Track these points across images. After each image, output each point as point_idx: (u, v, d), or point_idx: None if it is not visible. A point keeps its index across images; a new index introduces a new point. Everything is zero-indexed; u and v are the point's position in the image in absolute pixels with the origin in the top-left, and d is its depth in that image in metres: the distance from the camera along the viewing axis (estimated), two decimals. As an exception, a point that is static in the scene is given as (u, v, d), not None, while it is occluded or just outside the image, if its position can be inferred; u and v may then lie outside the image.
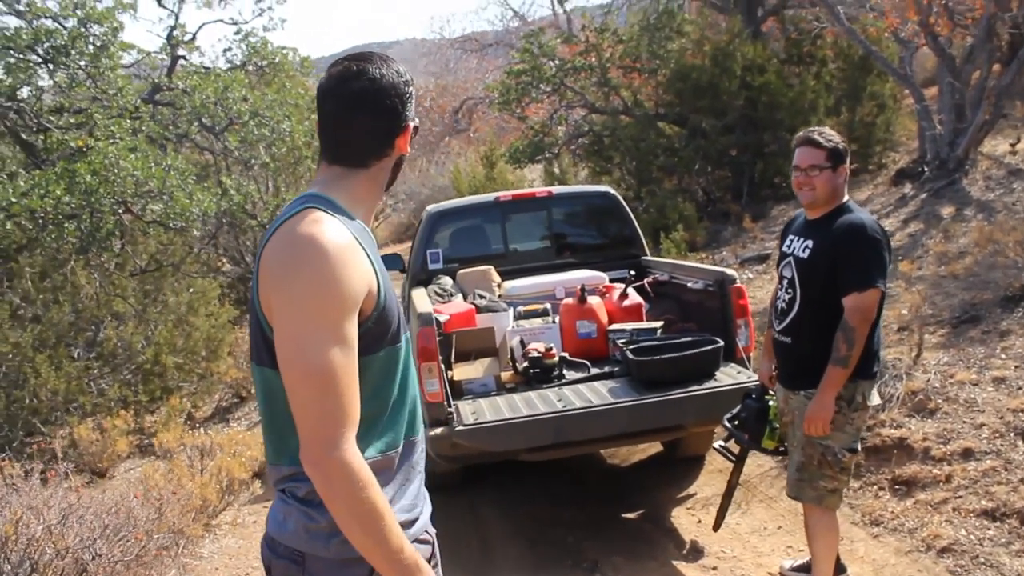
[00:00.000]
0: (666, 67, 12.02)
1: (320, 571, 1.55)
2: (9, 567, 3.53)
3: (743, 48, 11.24)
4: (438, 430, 3.98)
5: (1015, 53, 8.64)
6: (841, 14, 9.59)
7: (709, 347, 4.26)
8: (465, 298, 5.41)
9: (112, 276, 8.00)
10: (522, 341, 4.70)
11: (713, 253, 9.68)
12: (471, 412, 4.09)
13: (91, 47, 8.15)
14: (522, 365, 4.53)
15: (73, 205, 7.04)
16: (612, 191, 6.30)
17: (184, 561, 4.49)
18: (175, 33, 10.20)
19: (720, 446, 3.93)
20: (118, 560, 3.77)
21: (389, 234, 20.66)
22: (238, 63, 10.80)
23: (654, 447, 5.44)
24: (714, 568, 3.99)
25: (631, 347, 4.37)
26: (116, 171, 7.16)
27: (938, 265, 6.77)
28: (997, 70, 8.91)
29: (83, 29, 8.18)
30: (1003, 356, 5.05)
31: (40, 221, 7.07)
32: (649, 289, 5.38)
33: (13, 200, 6.82)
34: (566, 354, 4.67)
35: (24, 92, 8.25)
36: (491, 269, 5.79)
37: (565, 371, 4.56)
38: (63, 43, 7.92)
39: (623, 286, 5.15)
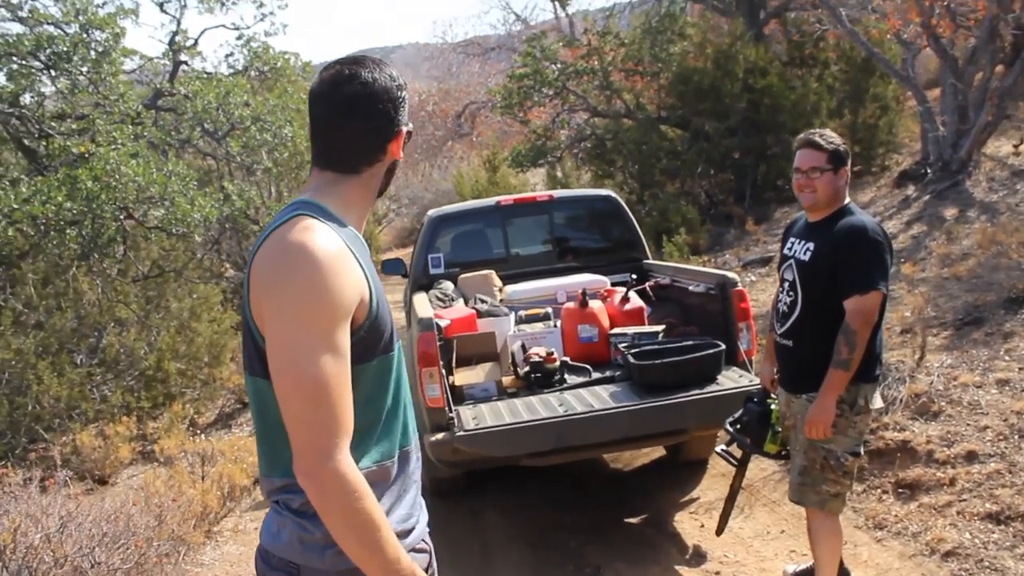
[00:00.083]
0: (668, 70, 12.02)
1: (315, 583, 1.53)
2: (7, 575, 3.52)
3: (745, 51, 11.24)
4: (439, 435, 3.96)
5: (1018, 54, 8.62)
6: (843, 16, 9.59)
7: (711, 351, 4.24)
8: (466, 303, 5.40)
9: (114, 282, 8.00)
10: (523, 345, 4.69)
11: (716, 256, 9.66)
12: (472, 417, 4.07)
13: (93, 53, 8.16)
14: (523, 370, 4.52)
15: (75, 211, 7.03)
16: (613, 195, 6.29)
17: (185, 568, 4.47)
18: (177, 38, 10.21)
19: (722, 450, 3.92)
20: (118, 568, 3.76)
21: (392, 238, 20.69)
22: (240, 68, 10.84)
23: (656, 451, 5.43)
24: (717, 572, 3.97)
25: (633, 351, 4.36)
26: (118, 177, 7.16)
27: (941, 267, 6.74)
28: (1000, 71, 8.89)
29: (85, 35, 8.19)
30: (1007, 358, 5.03)
31: (42, 227, 7.07)
32: (651, 293, 5.37)
33: (15, 206, 6.82)
34: (567, 358, 4.66)
35: (26, 98, 8.26)
36: (492, 273, 5.78)
37: (567, 375, 4.55)
38: (65, 49, 7.92)
39: (624, 290, 5.14)
